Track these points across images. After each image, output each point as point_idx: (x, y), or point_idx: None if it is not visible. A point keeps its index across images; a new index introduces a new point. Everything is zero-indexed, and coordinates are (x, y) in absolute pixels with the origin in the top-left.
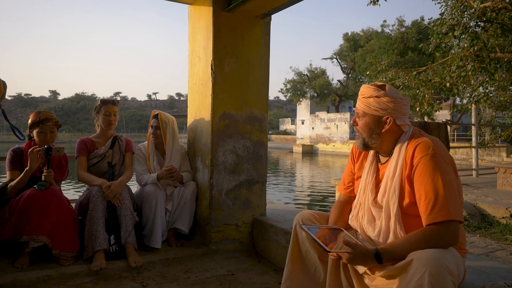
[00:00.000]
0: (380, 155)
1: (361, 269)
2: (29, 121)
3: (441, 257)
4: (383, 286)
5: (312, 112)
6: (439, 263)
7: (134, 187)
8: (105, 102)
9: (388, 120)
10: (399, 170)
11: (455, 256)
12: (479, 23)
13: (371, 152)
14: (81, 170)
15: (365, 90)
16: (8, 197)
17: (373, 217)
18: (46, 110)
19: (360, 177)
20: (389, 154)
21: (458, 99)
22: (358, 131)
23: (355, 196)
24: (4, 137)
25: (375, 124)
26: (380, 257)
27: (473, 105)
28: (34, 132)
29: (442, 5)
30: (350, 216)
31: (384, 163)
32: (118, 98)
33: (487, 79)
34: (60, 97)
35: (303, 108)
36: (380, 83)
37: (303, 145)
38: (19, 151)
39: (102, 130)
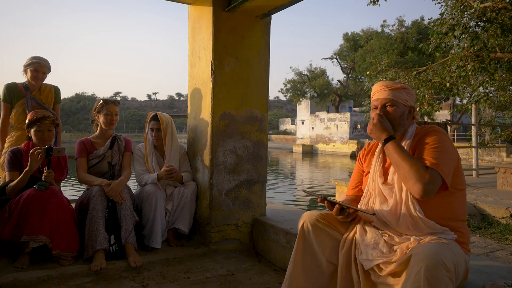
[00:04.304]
0: None
1: (368, 264)
2: (27, 120)
3: (439, 253)
4: (389, 283)
5: (312, 112)
6: (436, 259)
7: (134, 187)
8: (107, 102)
9: (412, 110)
10: (408, 147)
11: (456, 254)
12: (479, 23)
13: (379, 146)
14: (81, 171)
15: (391, 83)
16: (7, 197)
17: (384, 197)
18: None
19: (369, 172)
20: None
21: (458, 99)
22: (389, 119)
23: (362, 194)
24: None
25: (403, 112)
26: (393, 138)
27: (473, 105)
28: (32, 131)
29: (442, 5)
30: (359, 206)
31: None
32: (118, 98)
33: (487, 79)
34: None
35: (303, 108)
36: (392, 81)
37: (303, 145)
38: (18, 151)
39: (102, 130)
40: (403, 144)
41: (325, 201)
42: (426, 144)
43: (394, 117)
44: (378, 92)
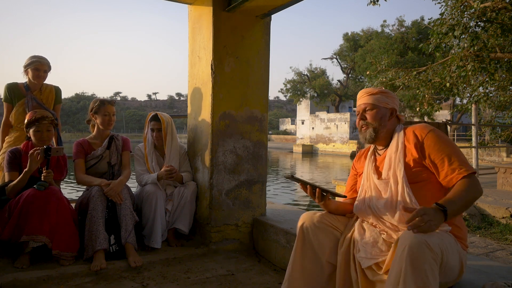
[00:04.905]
0: (377, 151)
1: (366, 262)
2: (26, 120)
3: (423, 234)
4: (384, 279)
5: (312, 112)
6: (419, 239)
7: (134, 187)
8: (104, 102)
9: (394, 111)
10: (401, 145)
11: (445, 241)
12: (479, 23)
13: (371, 149)
14: (79, 172)
15: (371, 89)
16: (7, 197)
17: (380, 192)
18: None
19: (363, 172)
20: (386, 146)
21: (458, 99)
22: (369, 122)
23: (357, 195)
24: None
25: (384, 114)
26: (443, 206)
27: (473, 105)
28: (31, 132)
29: (442, 5)
30: (355, 205)
31: (381, 155)
32: (118, 98)
33: (487, 79)
34: None
35: (303, 108)
36: (372, 88)
37: (303, 145)
38: (17, 152)
39: (99, 130)
40: (395, 141)
41: (300, 184)
42: (437, 147)
43: (375, 119)
44: (359, 99)
